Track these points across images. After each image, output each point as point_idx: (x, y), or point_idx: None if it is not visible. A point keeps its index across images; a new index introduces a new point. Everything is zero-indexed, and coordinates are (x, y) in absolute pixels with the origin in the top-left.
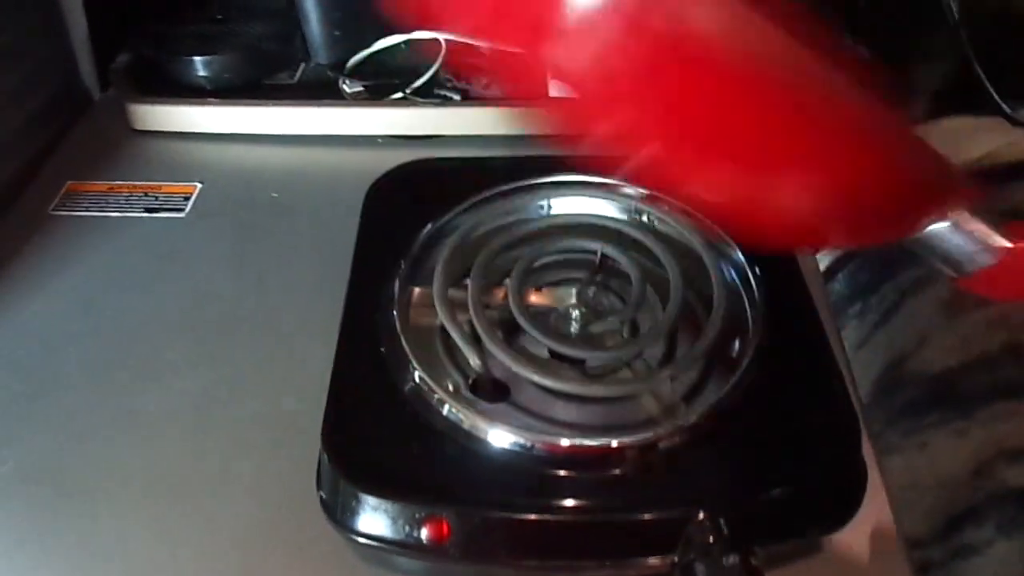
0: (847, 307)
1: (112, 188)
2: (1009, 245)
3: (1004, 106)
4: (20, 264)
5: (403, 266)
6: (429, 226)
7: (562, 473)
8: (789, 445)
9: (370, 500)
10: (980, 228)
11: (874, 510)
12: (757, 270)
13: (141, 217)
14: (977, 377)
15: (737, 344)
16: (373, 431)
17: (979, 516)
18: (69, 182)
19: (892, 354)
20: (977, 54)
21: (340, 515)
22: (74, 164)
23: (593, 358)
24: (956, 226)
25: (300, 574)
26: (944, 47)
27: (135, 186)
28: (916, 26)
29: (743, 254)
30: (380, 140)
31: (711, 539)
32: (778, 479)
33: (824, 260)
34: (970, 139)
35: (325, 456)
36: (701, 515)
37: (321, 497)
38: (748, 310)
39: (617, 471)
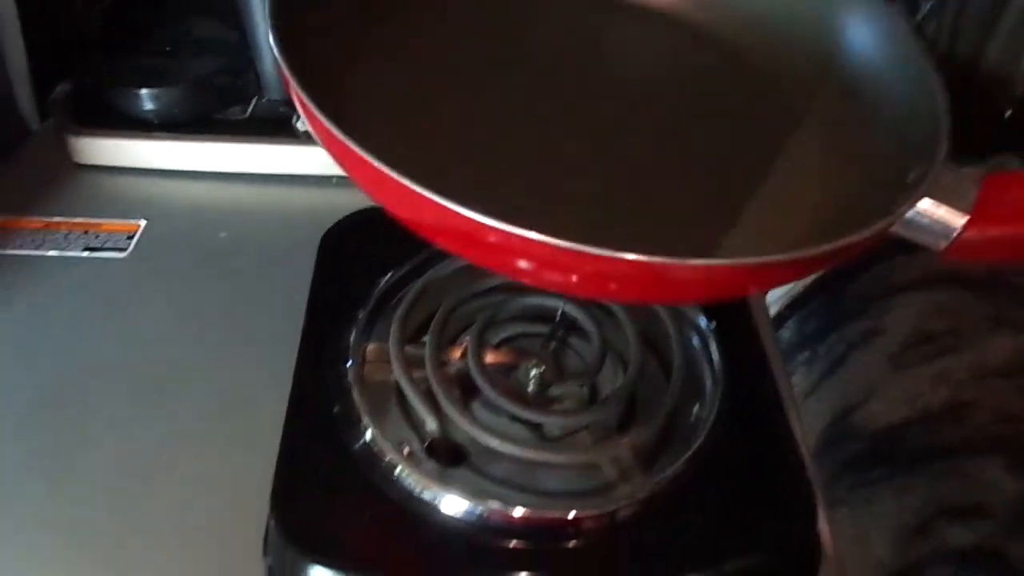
0: (796, 354)
1: (49, 225)
2: (963, 221)
3: None
4: None
5: (359, 318)
6: (387, 277)
7: (518, 544)
8: (745, 517)
9: (318, 570)
10: (938, 212)
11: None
12: (714, 325)
13: (80, 257)
14: (919, 434)
15: (696, 408)
16: (324, 495)
17: (921, 574)
18: (3, 218)
19: (838, 406)
20: None
21: None
22: (9, 199)
23: (550, 423)
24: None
25: None
26: None
27: (74, 223)
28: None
29: (704, 316)
30: (334, 181)
31: None
32: (734, 553)
33: (774, 307)
34: None
35: (273, 522)
36: None
37: (268, 565)
38: (707, 374)
39: (574, 543)
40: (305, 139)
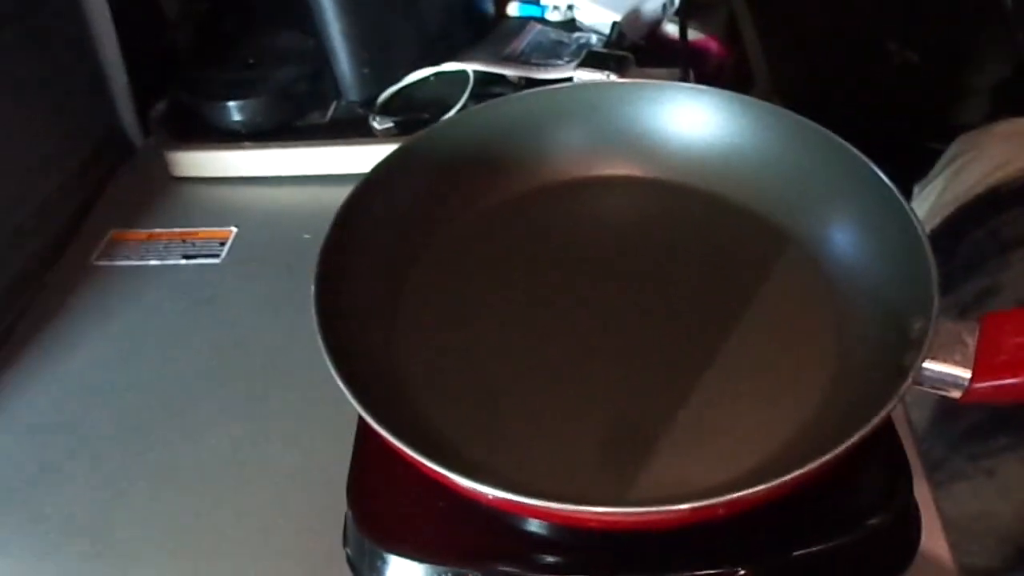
0: None
1: (152, 236)
2: (968, 376)
3: None
4: (65, 317)
5: None
6: None
7: (598, 533)
8: (834, 496)
9: (396, 560)
10: (942, 370)
11: (931, 547)
12: None
13: (179, 264)
14: None
15: None
16: (399, 486)
17: None
18: (112, 231)
19: None
20: None
21: (367, 574)
22: (117, 213)
23: None
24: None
25: None
26: (1000, 47)
27: (173, 233)
28: (969, 26)
29: None
30: None
31: None
32: (822, 534)
33: None
34: None
35: (350, 513)
36: (741, 573)
37: (348, 555)
38: None
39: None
40: (382, 137)
